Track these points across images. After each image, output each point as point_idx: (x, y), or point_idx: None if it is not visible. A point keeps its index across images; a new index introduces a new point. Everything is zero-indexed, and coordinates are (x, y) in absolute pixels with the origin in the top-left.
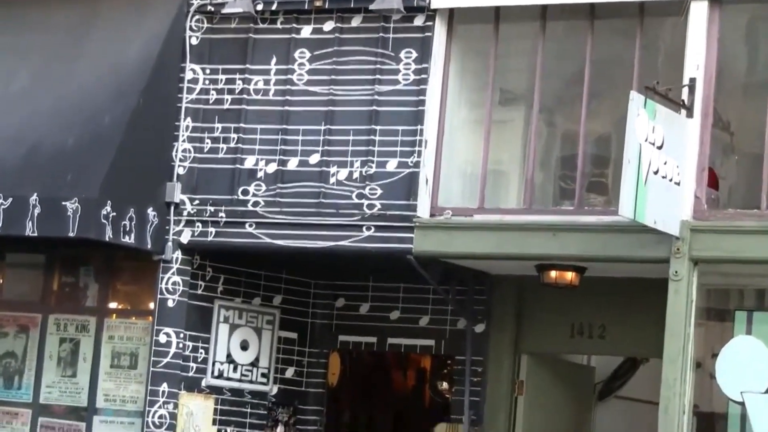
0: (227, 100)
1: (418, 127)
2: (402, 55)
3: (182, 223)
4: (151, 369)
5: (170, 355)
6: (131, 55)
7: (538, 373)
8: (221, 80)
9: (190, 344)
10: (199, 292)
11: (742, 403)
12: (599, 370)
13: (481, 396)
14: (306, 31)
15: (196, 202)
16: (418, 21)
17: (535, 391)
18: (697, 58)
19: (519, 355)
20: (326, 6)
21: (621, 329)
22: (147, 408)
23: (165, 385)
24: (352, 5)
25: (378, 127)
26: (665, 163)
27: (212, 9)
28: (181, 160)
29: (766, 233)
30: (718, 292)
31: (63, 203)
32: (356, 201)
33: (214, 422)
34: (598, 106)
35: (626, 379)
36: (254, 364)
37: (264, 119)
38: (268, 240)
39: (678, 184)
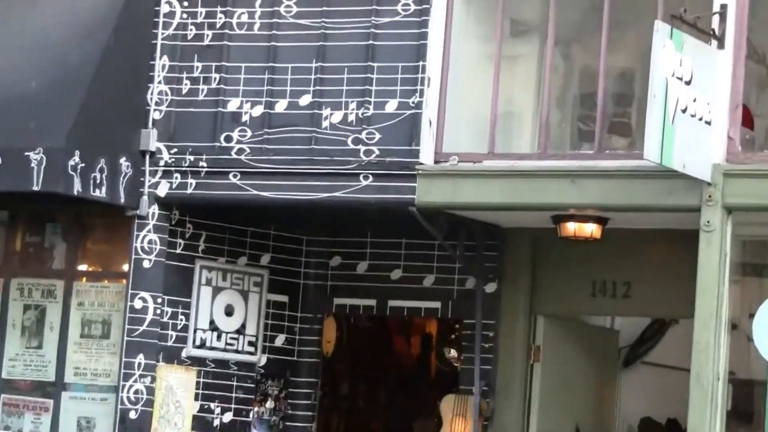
0: (207, 35)
1: (420, 63)
2: None
3: (159, 174)
4: (126, 338)
5: (147, 322)
6: None
7: (556, 338)
8: (201, 13)
9: (169, 310)
10: (179, 251)
11: None
12: (624, 334)
13: (492, 364)
14: None
15: (174, 150)
16: None
17: (553, 358)
18: None
19: (534, 317)
20: None
21: (647, 287)
22: (121, 382)
23: (141, 356)
24: None
25: (375, 64)
26: (694, 100)
27: None
28: (156, 104)
29: None
30: (755, 243)
31: (26, 154)
32: (352, 147)
33: (196, 397)
34: (620, 37)
35: (654, 343)
36: (240, 331)
37: (249, 56)
38: (254, 192)
39: (709, 123)
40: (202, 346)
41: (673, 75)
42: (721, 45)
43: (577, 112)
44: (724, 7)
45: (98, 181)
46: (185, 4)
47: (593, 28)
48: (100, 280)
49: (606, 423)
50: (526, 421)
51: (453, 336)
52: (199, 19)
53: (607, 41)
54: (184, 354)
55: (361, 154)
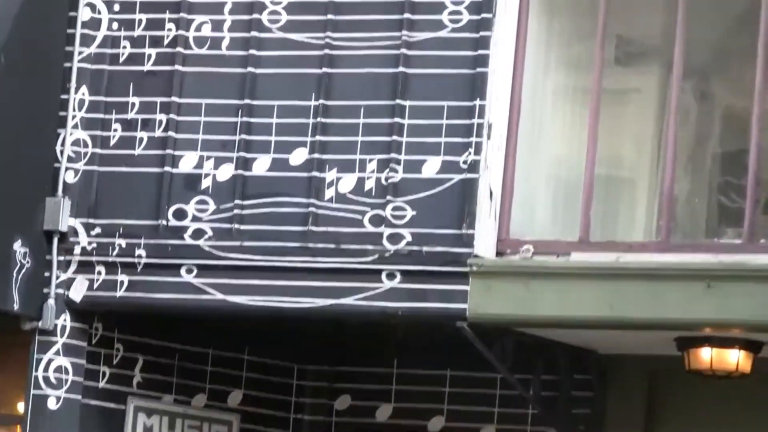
0: (150, 56)
1: (477, 102)
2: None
3: (73, 268)
4: None
5: None
6: None
7: None
8: (139, 22)
9: None
10: (102, 384)
11: None
12: None
13: None
14: None
15: (97, 231)
16: None
17: None
18: None
19: None
20: None
21: None
22: None
23: None
24: None
25: (407, 103)
26: None
27: None
28: (70, 160)
29: None
30: None
31: None
32: (371, 229)
33: None
34: None
35: None
36: None
37: (213, 88)
38: (219, 296)
39: None
40: None
41: None
42: None
43: (718, 181)
44: None
45: None
46: (116, 8)
47: (743, 54)
48: None
49: None
50: None
51: None
52: (138, 31)
53: (764, 76)
54: None
55: (385, 241)
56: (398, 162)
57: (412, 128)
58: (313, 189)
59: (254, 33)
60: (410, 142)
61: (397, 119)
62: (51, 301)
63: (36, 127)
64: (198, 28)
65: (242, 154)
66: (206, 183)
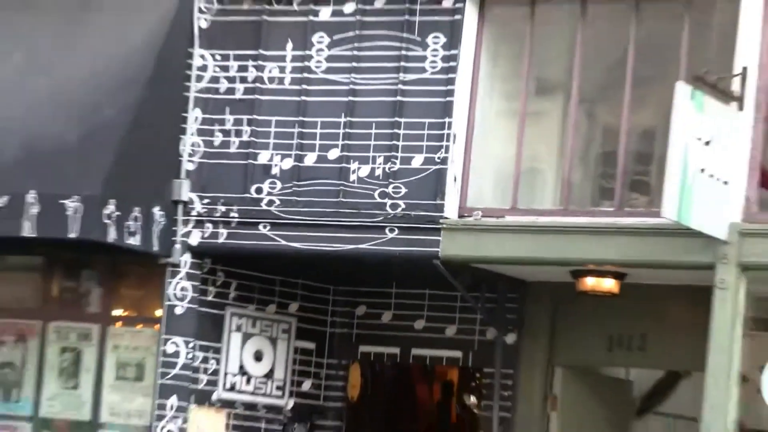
0: (239, 89)
1: (446, 119)
2: (429, 40)
3: (191, 224)
4: (159, 381)
5: (179, 366)
6: (135, 40)
7: (574, 388)
8: (233, 67)
9: (200, 354)
10: (210, 298)
11: None
12: (638, 384)
13: (511, 412)
14: (325, 13)
15: (206, 200)
16: (447, 2)
17: (570, 407)
18: (750, 45)
19: (553, 368)
20: None
21: (662, 341)
22: (154, 423)
23: (174, 398)
24: None
25: (402, 120)
26: (713, 161)
27: None
28: (189, 155)
29: None
30: (760, 300)
31: (62, 202)
32: (379, 200)
33: None
34: (642, 96)
35: (667, 394)
36: (269, 376)
37: (279, 110)
38: (283, 242)
39: (726, 183)
40: (232, 389)
41: (692, 135)
42: (740, 107)
43: (599, 170)
44: (745, 69)
45: (132, 230)
46: (218, 57)
47: (616, 87)
48: (134, 325)
49: None
50: None
51: (473, 384)
52: (231, 73)
53: (630, 100)
54: (214, 397)
55: (388, 208)
56: (396, 158)
57: (406, 136)
58: (342, 174)
59: (305, 74)
60: (404, 145)
61: (396, 130)
62: (177, 246)
63: (168, 135)
64: (270, 71)
65: (297, 152)
66: (275, 170)
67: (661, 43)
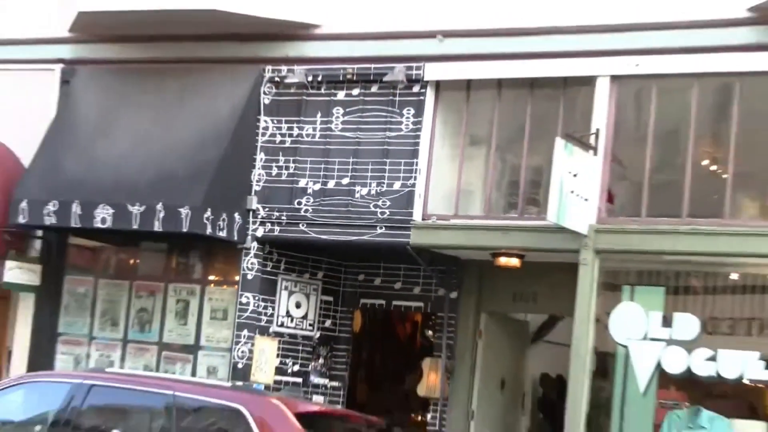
0: (287, 141)
1: (414, 160)
2: (404, 111)
3: (257, 224)
4: (237, 320)
5: (249, 311)
6: (225, 110)
7: (492, 325)
8: (283, 128)
9: (262, 304)
10: (268, 269)
11: (626, 346)
12: (532, 323)
13: (454, 340)
14: (341, 95)
15: (267, 209)
16: (415, 89)
17: (489, 337)
18: (601, 115)
19: (479, 313)
20: (354, 78)
21: (546, 296)
22: (234, 346)
23: (246, 330)
24: (371, 77)
25: (387, 160)
26: (578, 186)
27: (278, 79)
28: (257, 181)
29: (644, 233)
30: (612, 272)
31: (179, 209)
32: (372, 209)
33: (277, 356)
34: (535, 147)
35: (550, 329)
36: (304, 317)
37: (311, 154)
38: (314, 235)
39: (587, 200)
40: (282, 326)
41: (566, 171)
42: (595, 153)
43: (508, 191)
44: (598, 130)
45: (221, 227)
46: (274, 121)
47: (519, 140)
48: (222, 286)
49: (520, 377)
50: (473, 375)
51: (430, 323)
52: (283, 131)
53: (528, 149)
54: (271, 330)
55: (378, 214)
56: (384, 183)
57: (390, 170)
58: (351, 193)
59: (328, 132)
60: (389, 176)
61: (383, 166)
62: (249, 237)
63: (244, 169)
64: (306, 130)
65: (323, 179)
66: (309, 191)
67: (546, 113)
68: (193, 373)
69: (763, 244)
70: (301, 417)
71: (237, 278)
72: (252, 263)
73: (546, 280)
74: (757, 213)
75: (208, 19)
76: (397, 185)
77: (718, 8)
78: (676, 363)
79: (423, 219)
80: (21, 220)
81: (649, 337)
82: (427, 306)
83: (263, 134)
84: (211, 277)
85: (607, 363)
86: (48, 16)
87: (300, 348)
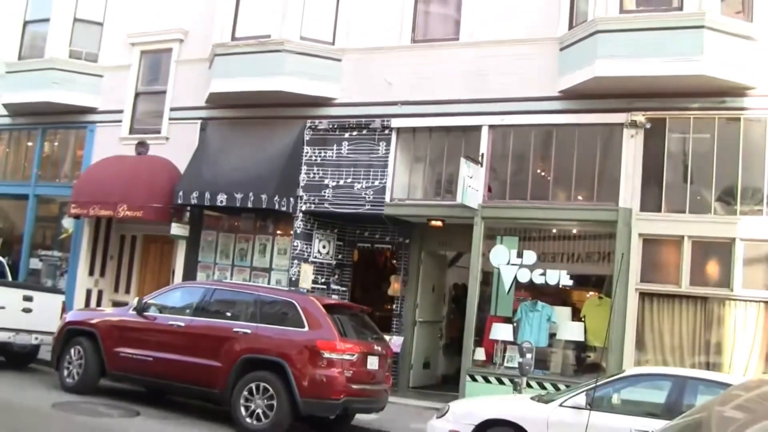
0: (318, 159)
1: (386, 169)
2: (380, 144)
3: (302, 203)
4: (291, 254)
5: (298, 250)
6: (285, 143)
7: (427, 259)
8: (316, 152)
9: (305, 246)
10: (308, 227)
11: (498, 268)
12: (449, 256)
13: (408, 264)
14: (347, 134)
15: (307, 195)
16: (387, 131)
17: (426, 264)
18: (484, 145)
19: (421, 251)
20: (354, 126)
21: (456, 241)
22: (289, 269)
23: (296, 260)
24: (363, 125)
25: (372, 169)
26: (473, 183)
27: (313, 127)
28: (302, 181)
29: (508, 208)
30: (491, 228)
31: (261, 195)
32: (363, 196)
33: (313, 274)
34: (450, 163)
35: (458, 259)
36: (328, 253)
37: (331, 166)
38: (332, 209)
39: (477, 190)
40: (315, 258)
41: (467, 175)
42: (481, 166)
43: (437, 186)
44: (482, 154)
45: (284, 205)
46: (312, 149)
47: (441, 159)
48: (283, 237)
49: (442, 285)
50: (417, 282)
51: (395, 256)
52: (316, 154)
53: (446, 165)
54: (309, 260)
55: (367, 198)
56: (370, 182)
57: (373, 175)
58: (353, 188)
59: (339, 156)
60: (372, 178)
61: (370, 173)
62: (298, 210)
63: (294, 174)
64: (327, 152)
65: (337, 180)
66: (330, 186)
67: (455, 145)
68: (269, 283)
69: (567, 213)
70: (326, 306)
71: (291, 232)
72: (299, 224)
73: (456, 233)
74: (564, 197)
75: (279, 95)
76: (376, 183)
77: (544, 90)
78: (524, 276)
79: (391, 200)
80: (179, 201)
81: (511, 263)
82: (393, 247)
83: (305, 155)
84: (278, 232)
85: (488, 277)
86: (194, 94)
87: (325, 270)
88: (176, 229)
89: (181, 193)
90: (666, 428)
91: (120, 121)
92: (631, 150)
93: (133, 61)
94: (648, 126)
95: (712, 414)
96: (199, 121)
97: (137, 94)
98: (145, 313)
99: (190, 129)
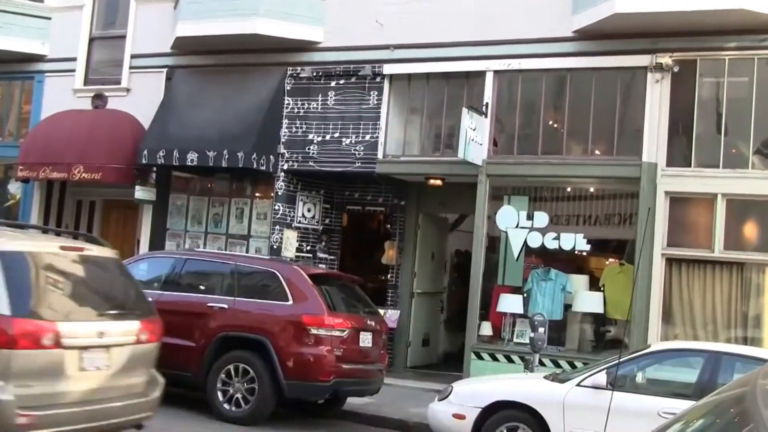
0: (301, 111)
1: (378, 122)
2: (371, 93)
3: (284, 161)
4: (272, 219)
5: (279, 214)
6: (264, 93)
7: (426, 221)
8: (299, 103)
9: (288, 209)
10: (291, 188)
11: (506, 232)
12: (450, 219)
13: (403, 229)
14: (333, 83)
15: (289, 152)
16: (378, 79)
17: (425, 228)
18: (489, 94)
19: (418, 213)
20: (341, 73)
21: (458, 202)
22: (270, 235)
23: (277, 226)
24: (351, 73)
25: (361, 122)
26: (476, 135)
27: (295, 75)
28: (283, 136)
29: (515, 164)
30: (497, 187)
31: (237, 153)
32: (353, 152)
33: (297, 241)
34: (451, 114)
35: (461, 223)
36: (313, 217)
37: (316, 120)
38: (318, 168)
39: (481, 144)
40: (299, 222)
41: (468, 127)
42: (486, 116)
43: (437, 140)
44: (487, 103)
45: (263, 164)
46: (293, 100)
47: (440, 110)
48: (263, 199)
49: (443, 251)
50: (414, 249)
51: (389, 220)
52: (299, 106)
53: (446, 115)
54: (293, 225)
55: (357, 155)
56: (359, 136)
57: (363, 128)
58: (341, 142)
59: (326, 106)
60: (362, 131)
61: (360, 125)
62: (279, 169)
63: (275, 128)
64: (313, 105)
65: (323, 134)
66: (315, 141)
67: (456, 94)
68: (247, 252)
69: (584, 170)
70: (312, 276)
71: (272, 194)
72: (281, 185)
73: (458, 193)
74: (580, 152)
75: (255, 39)
76: (367, 137)
77: (556, 31)
78: (535, 241)
79: (383, 157)
80: (144, 161)
81: (520, 226)
82: (386, 209)
83: (287, 107)
84: (257, 194)
85: (494, 243)
86: (158, 39)
87: (310, 236)
88: (141, 192)
89: (145, 152)
90: (701, 404)
91: (73, 71)
92: (657, 97)
93: (85, 0)
94: (675, 69)
95: (757, 387)
96: (165, 70)
97: (92, 40)
98: None
99: (154, 79)
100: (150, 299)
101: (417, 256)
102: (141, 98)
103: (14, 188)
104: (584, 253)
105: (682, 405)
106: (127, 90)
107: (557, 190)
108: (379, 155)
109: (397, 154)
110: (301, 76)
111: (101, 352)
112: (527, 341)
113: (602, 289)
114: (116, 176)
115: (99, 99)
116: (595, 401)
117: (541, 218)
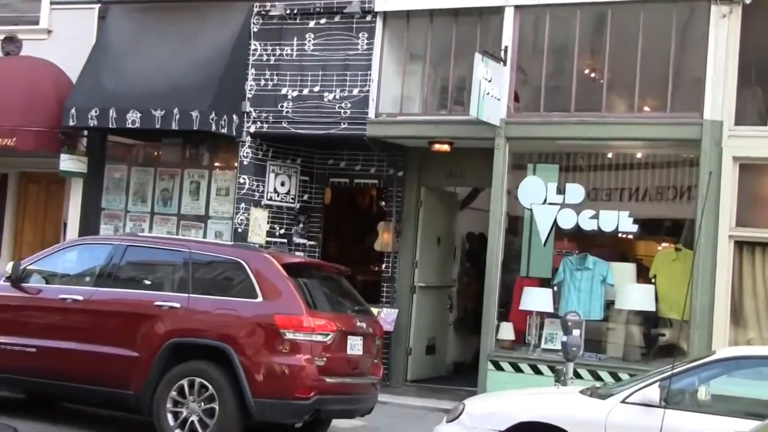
0: (271, 59)
1: (369, 72)
2: (360, 35)
3: (250, 122)
4: (236, 196)
5: (245, 189)
6: (224, 37)
7: (430, 196)
8: (269, 49)
9: (256, 183)
10: (259, 157)
11: (530, 209)
12: (460, 194)
13: (401, 207)
14: (311, 23)
15: (257, 111)
16: (368, 18)
17: (428, 205)
18: (508, 36)
19: (420, 187)
20: (321, 10)
21: (471, 174)
22: (234, 216)
23: (243, 204)
24: (335, 9)
25: (348, 73)
26: (493, 88)
27: (264, 12)
28: (249, 90)
29: (542, 124)
30: (519, 154)
31: (190, 112)
32: (337, 110)
33: (268, 223)
34: (459, 61)
35: (473, 199)
36: (288, 193)
37: (290, 69)
38: (293, 130)
39: (499, 99)
40: (270, 200)
41: (483, 77)
42: (505, 64)
43: (440, 95)
44: (506, 47)
45: (224, 125)
46: (262, 44)
47: (448, 57)
48: (225, 170)
49: (451, 235)
50: (416, 232)
51: (383, 195)
52: (268, 52)
53: (455, 63)
54: (262, 203)
55: (342, 114)
56: (345, 90)
57: (350, 80)
58: (322, 98)
59: (302, 52)
60: (349, 84)
61: (345, 77)
62: (244, 133)
63: (239, 81)
64: (286, 51)
65: (299, 88)
66: (290, 97)
67: (467, 36)
68: (205, 237)
69: (629, 130)
70: (287, 266)
71: (236, 164)
72: (247, 152)
73: (469, 161)
74: (625, 108)
75: None
76: (355, 91)
77: None
78: (568, 221)
79: (376, 116)
80: (71, 122)
81: (548, 202)
82: (380, 182)
83: (253, 54)
84: (217, 164)
85: (515, 224)
86: None
87: (284, 216)
88: (68, 163)
89: (73, 111)
90: None
91: None
92: (722, 38)
93: None
94: (747, 1)
95: None
96: (97, 6)
97: None
98: (24, 284)
99: (83, 18)
100: (80, 297)
101: (419, 240)
102: (66, 42)
103: None
104: (630, 236)
105: None
106: (48, 32)
107: (595, 157)
108: (371, 114)
109: (394, 112)
110: (271, 14)
111: None
112: (558, 347)
113: (653, 281)
114: (35, 142)
115: (11, 43)
116: (644, 422)
117: (576, 192)
